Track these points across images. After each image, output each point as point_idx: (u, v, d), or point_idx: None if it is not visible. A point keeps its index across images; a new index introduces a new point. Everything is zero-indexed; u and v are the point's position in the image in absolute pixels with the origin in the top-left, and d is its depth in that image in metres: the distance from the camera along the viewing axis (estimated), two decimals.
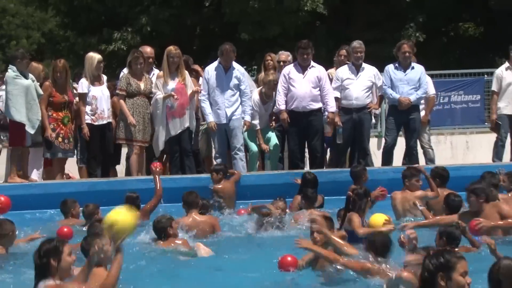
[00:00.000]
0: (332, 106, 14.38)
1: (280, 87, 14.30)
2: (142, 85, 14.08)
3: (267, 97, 14.67)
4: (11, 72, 13.68)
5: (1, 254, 9.24)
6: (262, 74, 15.30)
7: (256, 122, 14.50)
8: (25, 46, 45.08)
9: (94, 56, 14.46)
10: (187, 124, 14.13)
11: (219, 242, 10.50)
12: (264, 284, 8.19)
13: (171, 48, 14.19)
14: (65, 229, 10.17)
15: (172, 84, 14.03)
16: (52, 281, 6.61)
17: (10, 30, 51.30)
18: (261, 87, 14.75)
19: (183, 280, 8.63)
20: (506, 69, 15.47)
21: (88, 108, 14.08)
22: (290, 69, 14.44)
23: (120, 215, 6.73)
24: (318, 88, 14.32)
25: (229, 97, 14.24)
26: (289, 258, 8.21)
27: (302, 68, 14.37)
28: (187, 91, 14.13)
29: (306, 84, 14.30)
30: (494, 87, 15.62)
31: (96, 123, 14.09)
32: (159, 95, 14.03)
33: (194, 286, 8.51)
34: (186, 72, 14.29)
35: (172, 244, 9.61)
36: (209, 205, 11.76)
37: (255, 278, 8.41)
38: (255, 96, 14.61)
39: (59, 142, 14.05)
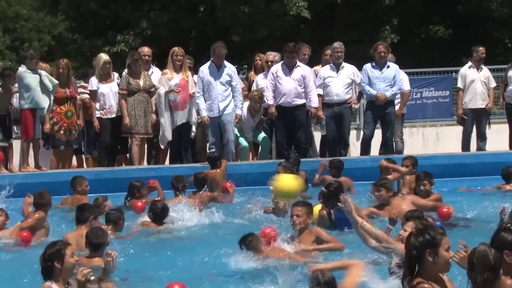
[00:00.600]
0: (314, 102, 14.36)
1: (269, 84, 14.28)
2: (141, 83, 14.04)
3: (255, 111, 14.65)
4: (21, 69, 13.72)
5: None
6: (252, 73, 15.34)
7: (249, 135, 14.64)
8: (36, 48, 44.94)
9: (102, 57, 14.50)
10: (188, 118, 14.14)
11: None
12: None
13: (176, 48, 14.26)
14: (25, 234, 9.74)
15: (175, 80, 14.02)
16: (49, 283, 6.61)
17: (23, 33, 51.11)
18: (248, 103, 14.72)
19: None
20: (469, 67, 15.51)
21: (97, 104, 14.07)
22: (277, 68, 14.39)
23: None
24: (303, 86, 14.28)
25: (221, 92, 14.17)
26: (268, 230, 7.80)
27: (288, 68, 14.32)
28: (189, 87, 14.07)
29: (292, 82, 14.25)
30: (459, 84, 15.63)
31: (105, 117, 14.07)
32: (162, 90, 14.00)
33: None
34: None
35: None
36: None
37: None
38: (244, 110, 14.55)
39: (61, 135, 14.01)
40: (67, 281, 6.66)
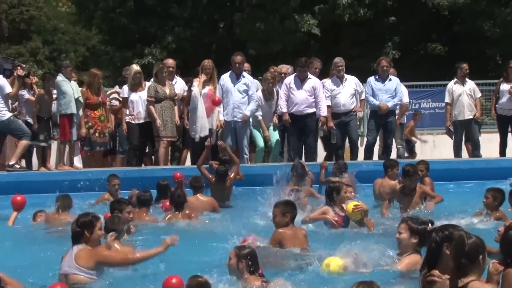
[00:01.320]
0: (324, 111, 14.30)
1: (282, 94, 14.24)
2: (167, 91, 14.01)
3: (268, 93, 14.57)
4: (59, 77, 13.82)
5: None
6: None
7: (259, 113, 14.42)
8: (72, 58, 45.20)
9: (133, 68, 14.50)
10: (211, 125, 14.01)
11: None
12: None
13: (206, 61, 14.16)
14: (19, 198, 9.83)
15: (204, 90, 13.93)
16: (85, 245, 6.81)
17: (60, 45, 51.34)
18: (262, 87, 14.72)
19: None
20: (455, 83, 15.37)
21: (127, 110, 14.09)
22: (290, 80, 14.34)
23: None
24: (313, 96, 14.24)
25: (238, 99, 14.10)
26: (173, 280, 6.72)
27: (300, 80, 14.28)
28: (216, 97, 13.98)
29: (303, 93, 14.21)
30: (446, 99, 15.43)
31: (133, 122, 14.05)
32: (197, 91, 13.91)
33: None
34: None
35: None
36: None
37: None
38: (259, 94, 14.51)
39: (96, 137, 14.08)
40: None
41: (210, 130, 13.99)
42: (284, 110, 14.20)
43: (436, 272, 5.50)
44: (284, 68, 15.35)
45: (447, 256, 5.47)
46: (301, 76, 14.27)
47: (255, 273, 6.44)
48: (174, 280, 6.25)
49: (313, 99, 14.23)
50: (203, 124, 13.86)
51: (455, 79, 15.43)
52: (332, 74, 15.11)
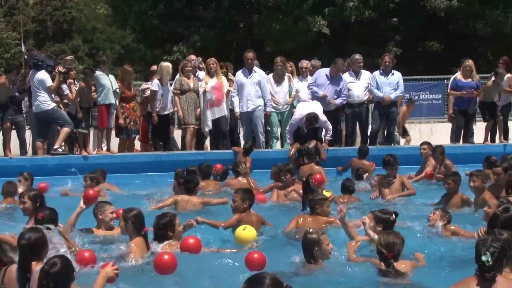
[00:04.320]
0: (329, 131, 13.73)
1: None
2: (191, 84, 13.97)
3: (278, 76, 14.42)
4: (98, 72, 13.82)
5: None
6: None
7: (280, 106, 14.35)
8: (109, 55, 45.30)
9: (168, 65, 14.41)
10: (223, 113, 13.97)
11: None
12: None
13: (210, 59, 14.15)
14: (91, 191, 9.58)
15: (211, 83, 13.91)
16: (172, 241, 6.65)
17: (98, 43, 51.54)
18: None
19: None
20: (455, 79, 15.21)
21: (157, 102, 14.01)
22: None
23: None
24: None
25: (251, 92, 14.02)
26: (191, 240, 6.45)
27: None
28: (223, 88, 13.98)
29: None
30: (450, 90, 15.36)
31: (161, 113, 14.04)
32: (202, 89, 13.97)
33: None
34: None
35: None
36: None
37: None
38: (270, 77, 14.38)
39: (132, 126, 14.08)
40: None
41: (223, 117, 13.92)
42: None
43: None
44: (304, 63, 15.22)
45: None
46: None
47: (140, 232, 6.50)
48: (256, 255, 6.02)
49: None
50: (205, 119, 13.90)
51: (459, 72, 15.19)
52: (344, 70, 14.99)
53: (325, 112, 13.32)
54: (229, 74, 14.81)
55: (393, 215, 6.94)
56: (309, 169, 11.13)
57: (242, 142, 14.11)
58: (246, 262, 5.98)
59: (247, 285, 3.93)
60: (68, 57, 14.81)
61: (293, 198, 9.91)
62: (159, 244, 6.61)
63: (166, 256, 5.90)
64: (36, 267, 5.14)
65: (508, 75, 14.74)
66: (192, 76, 14.16)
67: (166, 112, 14.07)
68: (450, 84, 15.31)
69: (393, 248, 6.03)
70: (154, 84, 14.03)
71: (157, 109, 13.95)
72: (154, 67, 15.07)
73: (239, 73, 14.25)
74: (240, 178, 10.98)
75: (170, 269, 5.85)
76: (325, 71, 14.36)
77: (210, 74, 13.99)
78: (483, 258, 4.57)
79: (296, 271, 6.16)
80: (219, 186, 11.15)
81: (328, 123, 13.27)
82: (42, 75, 13.12)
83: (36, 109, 13.29)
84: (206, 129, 14.05)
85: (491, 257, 4.56)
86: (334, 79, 14.18)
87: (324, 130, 13.43)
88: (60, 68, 13.34)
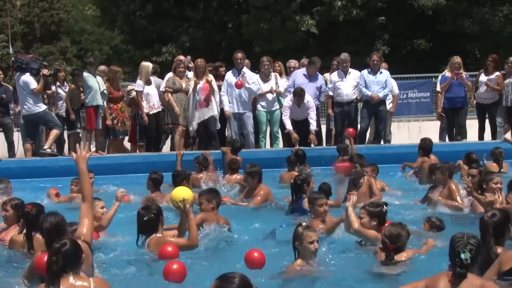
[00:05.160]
0: (314, 125, 14.01)
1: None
2: (183, 84, 13.95)
3: (265, 75, 14.42)
4: (85, 74, 13.77)
5: None
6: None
7: (263, 103, 14.32)
8: (97, 56, 45.12)
9: (148, 65, 14.40)
10: (211, 113, 13.90)
11: None
12: None
13: (198, 60, 14.03)
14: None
15: (199, 84, 13.86)
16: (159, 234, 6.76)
17: (87, 45, 51.31)
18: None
19: None
20: (443, 76, 15.27)
21: (144, 102, 14.00)
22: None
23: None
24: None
25: (241, 93, 14.02)
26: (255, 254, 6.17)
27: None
28: (210, 89, 13.90)
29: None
30: (438, 88, 15.41)
31: (150, 113, 14.02)
32: (190, 90, 13.92)
33: None
34: (211, 75, 14.11)
35: None
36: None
37: None
38: (257, 77, 14.37)
39: (119, 127, 14.06)
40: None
41: (212, 117, 13.90)
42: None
43: None
44: (292, 62, 15.36)
45: None
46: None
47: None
48: (256, 254, 6.01)
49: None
50: (193, 123, 13.88)
51: (446, 70, 15.26)
52: (334, 68, 15.10)
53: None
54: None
55: (384, 206, 6.98)
56: (289, 176, 11.05)
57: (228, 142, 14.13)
58: (245, 261, 5.99)
59: (217, 282, 4.12)
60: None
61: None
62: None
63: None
64: None
65: (497, 73, 14.83)
66: (184, 76, 14.13)
67: (154, 111, 14.03)
68: (439, 81, 15.38)
69: (397, 240, 6.10)
70: (138, 85, 13.99)
71: (145, 110, 13.93)
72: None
73: (229, 74, 14.23)
74: (236, 175, 11.27)
75: (180, 278, 5.79)
76: (302, 71, 14.51)
77: (198, 75, 13.92)
78: (462, 256, 4.69)
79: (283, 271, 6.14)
80: (217, 177, 11.45)
81: (313, 105, 13.83)
82: (26, 77, 13.09)
83: (26, 111, 13.23)
84: (191, 129, 14.01)
85: (470, 255, 4.63)
86: (312, 77, 14.35)
87: (309, 117, 13.77)
88: (45, 71, 13.28)
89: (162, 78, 14.44)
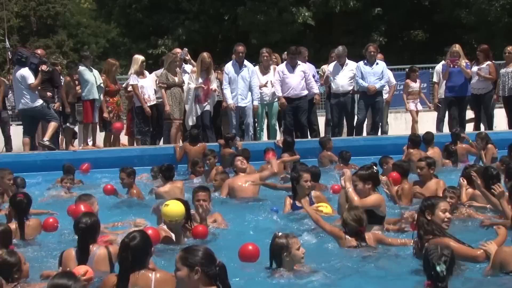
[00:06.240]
0: (315, 89, 14.27)
1: (276, 80, 14.10)
2: (176, 79, 13.89)
3: (264, 67, 14.45)
4: (81, 67, 13.70)
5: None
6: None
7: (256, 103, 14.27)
8: (94, 50, 45.08)
9: (140, 58, 14.33)
10: (207, 108, 13.95)
11: None
12: None
13: (205, 55, 13.92)
14: (109, 186, 9.84)
15: (201, 79, 13.85)
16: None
17: (83, 38, 51.17)
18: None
19: None
20: (443, 65, 15.29)
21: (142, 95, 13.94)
22: (282, 68, 14.23)
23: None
24: (304, 80, 14.14)
25: (242, 86, 14.02)
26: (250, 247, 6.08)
27: (292, 66, 14.17)
28: (210, 84, 13.92)
29: (296, 78, 14.14)
30: (434, 79, 15.47)
31: (145, 105, 13.98)
32: (192, 85, 13.90)
33: None
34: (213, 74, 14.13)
35: None
36: None
37: None
38: (256, 69, 14.35)
39: (114, 120, 14.06)
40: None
41: (207, 111, 13.92)
42: (280, 94, 14.05)
43: None
44: None
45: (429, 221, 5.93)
46: (291, 63, 14.15)
47: None
48: (250, 247, 5.99)
49: (304, 82, 14.13)
50: (190, 117, 13.92)
51: (443, 62, 15.26)
52: (331, 60, 15.10)
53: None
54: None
55: (374, 167, 7.27)
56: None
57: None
58: (239, 254, 5.97)
59: (182, 253, 4.33)
60: (39, 51, 14.59)
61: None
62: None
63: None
64: (93, 248, 5.68)
65: (488, 62, 14.83)
66: (177, 71, 14.09)
67: (151, 103, 14.00)
68: (435, 71, 15.38)
69: (362, 221, 6.37)
70: (132, 78, 13.95)
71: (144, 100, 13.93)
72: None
73: (229, 66, 14.12)
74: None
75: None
76: (283, 65, 14.32)
77: (202, 70, 13.81)
78: (438, 268, 4.66)
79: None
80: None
81: (310, 72, 14.17)
82: (25, 71, 12.99)
83: (23, 106, 13.11)
84: (190, 123, 14.00)
85: (445, 266, 4.66)
86: (295, 67, 14.15)
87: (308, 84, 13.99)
88: (44, 67, 13.23)
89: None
